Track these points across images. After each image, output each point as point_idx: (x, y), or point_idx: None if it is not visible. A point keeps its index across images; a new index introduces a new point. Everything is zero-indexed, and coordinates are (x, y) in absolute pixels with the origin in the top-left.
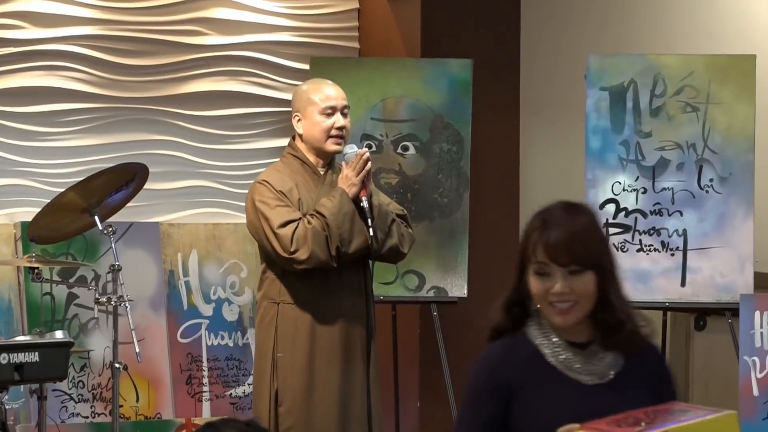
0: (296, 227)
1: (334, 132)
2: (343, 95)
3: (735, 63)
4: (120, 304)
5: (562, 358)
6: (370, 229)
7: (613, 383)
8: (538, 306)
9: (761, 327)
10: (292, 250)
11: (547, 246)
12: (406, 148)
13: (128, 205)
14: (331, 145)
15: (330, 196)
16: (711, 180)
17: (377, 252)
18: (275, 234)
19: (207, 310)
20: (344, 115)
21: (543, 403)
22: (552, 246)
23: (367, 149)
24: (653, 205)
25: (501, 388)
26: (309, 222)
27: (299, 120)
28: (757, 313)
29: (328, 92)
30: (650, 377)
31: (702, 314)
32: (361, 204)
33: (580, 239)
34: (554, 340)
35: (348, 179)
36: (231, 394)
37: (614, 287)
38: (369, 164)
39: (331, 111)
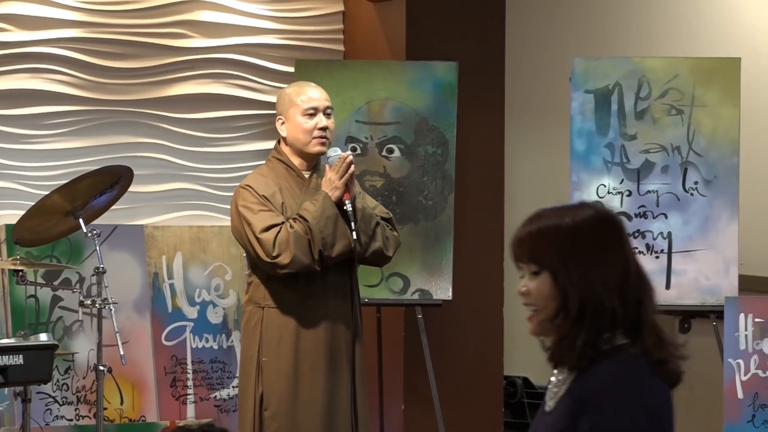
0: (278, 232)
1: (317, 133)
2: (325, 96)
3: (720, 66)
4: (104, 307)
5: (550, 378)
6: (354, 233)
7: (552, 412)
8: None
9: (746, 330)
10: (274, 254)
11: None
12: (390, 151)
13: (113, 207)
14: (314, 146)
15: (313, 200)
16: (696, 183)
17: (361, 255)
18: (258, 239)
19: (191, 312)
20: (327, 115)
21: None
22: (512, 241)
23: (350, 152)
24: (638, 208)
25: None
26: (291, 226)
27: (282, 123)
28: (742, 316)
29: (310, 93)
30: (572, 402)
31: (687, 317)
32: (345, 207)
33: (539, 237)
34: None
35: (331, 182)
36: (215, 396)
37: (578, 295)
38: (353, 167)
39: (313, 112)
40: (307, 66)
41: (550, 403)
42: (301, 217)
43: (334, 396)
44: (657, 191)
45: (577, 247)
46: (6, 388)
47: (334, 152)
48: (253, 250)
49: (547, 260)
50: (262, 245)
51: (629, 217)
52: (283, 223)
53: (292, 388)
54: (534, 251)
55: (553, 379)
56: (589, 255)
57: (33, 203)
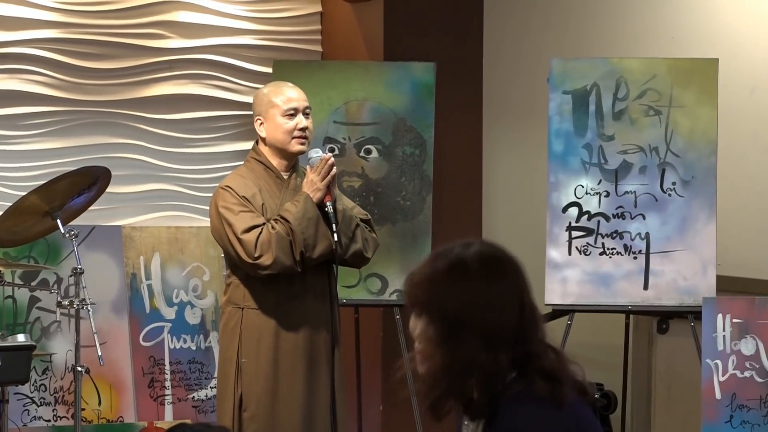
0: (260, 233)
1: (297, 133)
2: (304, 97)
3: (697, 66)
4: (82, 308)
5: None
6: (335, 234)
7: None
8: None
9: (723, 330)
10: (256, 255)
11: None
12: (368, 152)
13: (90, 208)
14: (295, 146)
15: (294, 201)
16: (674, 183)
17: (341, 257)
18: (239, 240)
19: (169, 313)
20: (306, 115)
21: None
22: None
23: (331, 154)
24: (616, 209)
25: None
26: (273, 227)
27: (261, 123)
28: (720, 317)
29: (289, 94)
30: None
31: (665, 317)
32: (326, 209)
33: (418, 281)
34: None
35: (313, 184)
36: (193, 397)
37: (457, 342)
38: (334, 169)
39: (293, 112)
40: (285, 66)
41: None
42: (282, 218)
43: (313, 397)
44: (635, 192)
45: (457, 297)
46: None
47: (316, 153)
48: (234, 251)
49: (423, 305)
50: (243, 246)
51: (607, 218)
52: (264, 224)
53: (271, 389)
54: (411, 295)
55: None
56: (471, 299)
57: (10, 204)
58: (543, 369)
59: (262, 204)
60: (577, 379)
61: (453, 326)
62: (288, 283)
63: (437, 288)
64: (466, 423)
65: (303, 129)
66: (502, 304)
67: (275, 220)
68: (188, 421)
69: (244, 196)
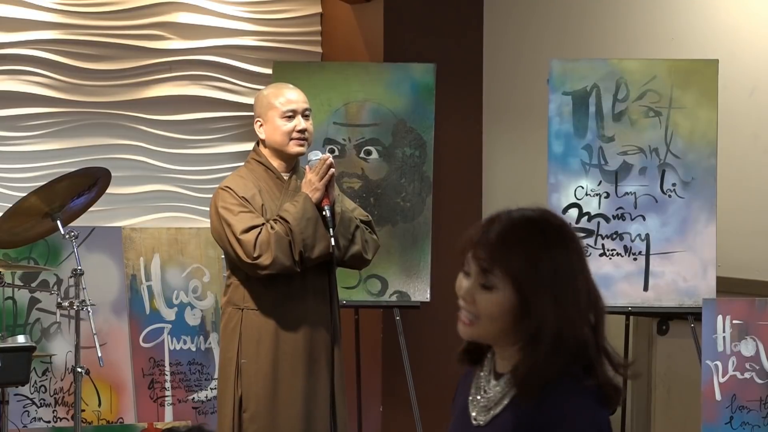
0: (259, 233)
1: (295, 135)
2: (303, 98)
3: (697, 67)
4: (82, 309)
5: (473, 389)
6: (332, 237)
7: (487, 427)
8: None
9: (723, 331)
10: (255, 255)
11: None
12: (368, 153)
13: (90, 209)
14: (293, 147)
15: (293, 201)
16: (674, 185)
17: (340, 259)
18: (238, 240)
19: (169, 314)
20: (306, 117)
21: None
22: (474, 241)
23: (329, 155)
24: (616, 210)
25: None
26: (272, 227)
27: (261, 125)
28: (720, 318)
29: (288, 96)
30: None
31: (665, 319)
32: (324, 212)
33: (502, 245)
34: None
35: (311, 184)
36: (193, 398)
37: (554, 323)
38: (332, 170)
39: (291, 114)
40: (285, 68)
41: (480, 418)
42: (281, 218)
43: (312, 398)
44: (635, 193)
45: (546, 257)
46: None
47: (315, 155)
48: (233, 251)
49: (517, 271)
50: (242, 246)
51: (607, 219)
52: (263, 224)
53: (271, 390)
54: (503, 259)
55: (485, 392)
56: (563, 270)
57: (10, 205)
58: (608, 369)
59: (262, 205)
60: (620, 392)
61: (548, 302)
62: (287, 284)
63: (527, 255)
64: (492, 391)
65: (302, 131)
66: (583, 279)
67: (274, 220)
68: (188, 422)
69: (243, 197)
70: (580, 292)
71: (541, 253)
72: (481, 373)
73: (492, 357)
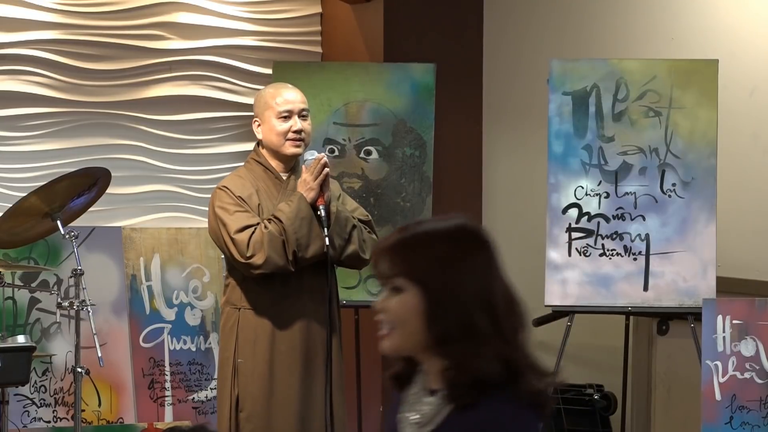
0: (253, 232)
1: (291, 135)
2: (301, 98)
3: (697, 67)
4: (82, 309)
5: (404, 407)
6: (327, 237)
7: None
8: None
9: (723, 331)
10: (248, 255)
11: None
12: (368, 153)
13: (90, 209)
14: (289, 148)
15: (288, 201)
16: (673, 185)
17: (335, 258)
18: (232, 239)
19: (169, 314)
20: (303, 117)
21: None
22: (374, 254)
23: (323, 154)
24: (616, 210)
25: None
26: (266, 227)
27: (258, 125)
28: (720, 318)
29: (285, 96)
30: None
31: (664, 319)
32: (318, 212)
33: (403, 248)
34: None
35: (306, 183)
36: (193, 398)
37: (456, 314)
38: (327, 169)
39: (287, 114)
40: (285, 68)
41: (416, 418)
42: (275, 217)
43: (308, 397)
44: (635, 193)
45: (452, 256)
46: None
47: (311, 154)
48: (228, 250)
49: (420, 272)
50: (236, 245)
51: (607, 219)
52: (258, 224)
53: (267, 390)
54: (404, 262)
55: (418, 409)
56: (463, 266)
57: (10, 205)
58: (533, 374)
59: (259, 204)
60: (549, 398)
61: (450, 293)
62: (283, 284)
63: (436, 254)
64: (415, 396)
65: (297, 131)
66: (485, 278)
67: (268, 220)
68: (187, 422)
69: (240, 197)
70: (495, 295)
71: (447, 255)
72: (411, 392)
73: (422, 375)
